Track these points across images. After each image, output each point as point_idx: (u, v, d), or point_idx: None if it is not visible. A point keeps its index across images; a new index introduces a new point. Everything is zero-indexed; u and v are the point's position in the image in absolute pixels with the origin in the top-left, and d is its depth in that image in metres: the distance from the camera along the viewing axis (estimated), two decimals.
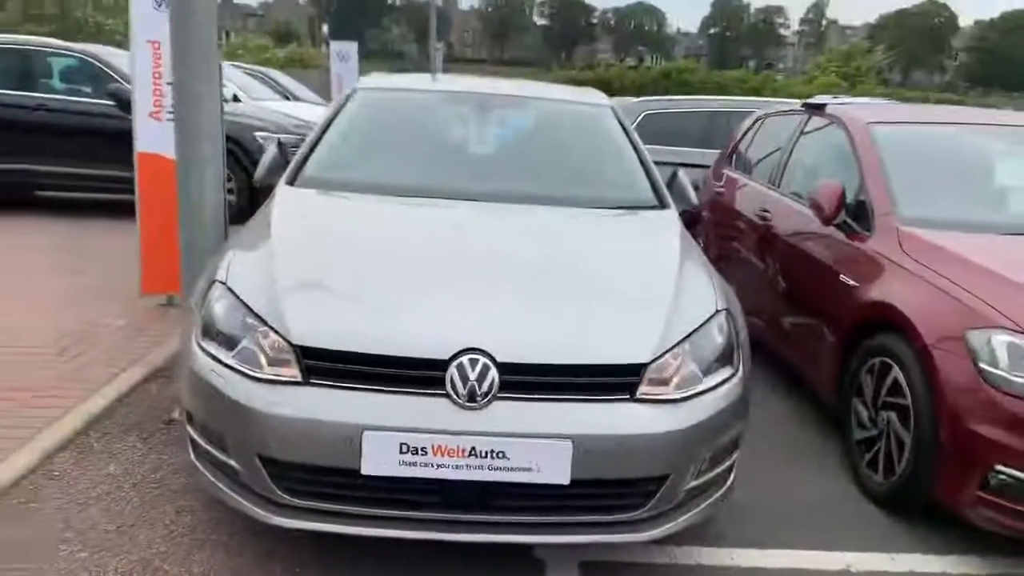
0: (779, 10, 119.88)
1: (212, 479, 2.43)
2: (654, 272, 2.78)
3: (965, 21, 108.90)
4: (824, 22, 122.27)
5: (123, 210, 7.81)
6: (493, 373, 2.20)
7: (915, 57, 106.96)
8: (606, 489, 2.29)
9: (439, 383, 2.20)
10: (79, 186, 8.31)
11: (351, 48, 10.56)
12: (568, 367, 2.27)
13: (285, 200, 3.17)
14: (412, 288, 2.49)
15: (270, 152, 3.56)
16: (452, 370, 2.20)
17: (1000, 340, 2.65)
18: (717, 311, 2.58)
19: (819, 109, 4.58)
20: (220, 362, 2.34)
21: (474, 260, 2.74)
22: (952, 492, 2.76)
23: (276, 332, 2.30)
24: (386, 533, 2.26)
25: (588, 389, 2.28)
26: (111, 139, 7.90)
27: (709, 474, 2.45)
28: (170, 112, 4.77)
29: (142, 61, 4.73)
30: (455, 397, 2.19)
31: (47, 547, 2.52)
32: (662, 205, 3.45)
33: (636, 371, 2.30)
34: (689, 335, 2.44)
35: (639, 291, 2.64)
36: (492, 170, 3.65)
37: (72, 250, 6.46)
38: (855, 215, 3.64)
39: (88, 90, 8.17)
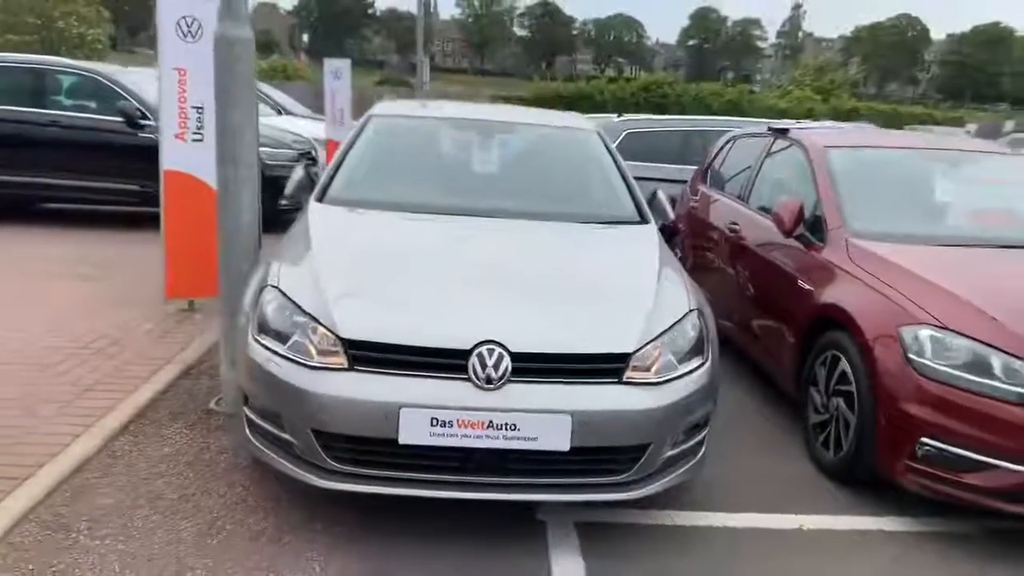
0: (756, 22, 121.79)
1: (267, 451, 2.89)
2: (637, 277, 3.27)
3: (937, 34, 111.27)
4: (800, 34, 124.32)
5: (122, 221, 8.28)
6: (507, 360, 2.68)
7: (889, 69, 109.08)
8: (599, 455, 2.78)
9: (462, 369, 2.68)
10: (86, 198, 8.71)
11: (344, 65, 10.96)
12: (567, 355, 2.76)
13: (317, 215, 3.64)
14: (437, 290, 2.98)
15: (297, 172, 4.04)
16: (473, 358, 2.67)
17: (925, 334, 3.17)
18: (690, 310, 3.09)
19: (783, 133, 5.11)
20: (276, 353, 2.80)
21: (487, 267, 3.23)
22: (888, 463, 3.26)
23: (325, 327, 2.76)
24: (418, 493, 2.73)
25: (584, 373, 2.77)
26: (118, 153, 8.36)
27: (683, 445, 2.95)
28: (194, 134, 5.25)
29: (168, 87, 5.14)
30: (475, 380, 2.67)
31: (125, 512, 2.96)
32: (643, 220, 3.96)
33: (623, 359, 2.79)
34: (666, 330, 2.94)
35: (625, 293, 3.14)
36: (496, 189, 4.14)
37: (85, 259, 6.88)
38: (812, 228, 4.16)
39: (96, 106, 8.58)
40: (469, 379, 2.67)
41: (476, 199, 3.93)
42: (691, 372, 2.93)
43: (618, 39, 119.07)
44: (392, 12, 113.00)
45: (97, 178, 8.39)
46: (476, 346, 2.69)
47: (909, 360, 3.17)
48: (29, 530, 2.80)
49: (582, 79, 39.27)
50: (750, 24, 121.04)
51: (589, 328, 2.88)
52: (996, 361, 3.01)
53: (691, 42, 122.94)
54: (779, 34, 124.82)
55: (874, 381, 3.29)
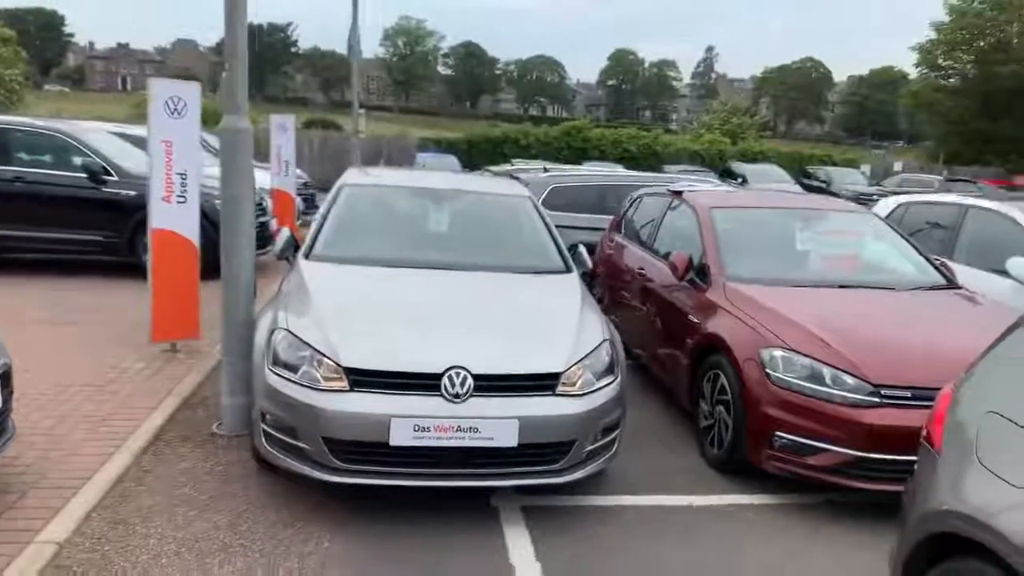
0: (672, 64, 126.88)
1: (282, 456, 3.73)
2: (564, 315, 4.26)
3: (839, 76, 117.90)
4: (713, 75, 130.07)
5: (83, 268, 8.85)
6: (469, 380, 3.61)
7: (797, 109, 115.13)
8: (538, 450, 3.72)
9: (436, 387, 3.60)
10: (52, 249, 9.20)
11: (289, 120, 11.76)
12: (514, 375, 3.72)
13: (308, 270, 4.52)
14: (413, 327, 3.90)
15: (284, 233, 4.90)
16: (444, 379, 3.60)
17: (778, 354, 4.24)
18: (604, 340, 4.09)
19: (679, 195, 6.23)
20: (290, 380, 3.67)
21: (449, 308, 4.19)
22: (755, 453, 4.30)
23: (329, 358, 3.65)
24: (405, 483, 3.63)
25: (527, 389, 3.72)
26: (82, 207, 9.00)
27: (601, 442, 3.92)
28: (179, 197, 6.02)
29: (157, 156, 5.90)
30: (446, 395, 3.59)
31: (167, 510, 3.75)
32: (568, 269, 4.97)
33: (555, 377, 3.76)
34: (586, 355, 3.92)
35: (555, 328, 4.12)
36: (450, 246, 5.10)
37: (57, 305, 7.51)
38: (699, 273, 5.24)
39: (58, 162, 9.19)
40: (441, 395, 3.59)
41: (435, 254, 4.88)
42: (605, 386, 3.92)
43: (540, 79, 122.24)
44: (316, 49, 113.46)
45: (63, 230, 8.98)
46: (446, 370, 3.61)
47: (767, 374, 4.23)
48: (96, 524, 3.57)
49: (503, 121, 40.67)
50: (666, 65, 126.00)
51: (530, 354, 3.85)
52: (827, 373, 4.09)
53: (610, 82, 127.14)
54: (694, 75, 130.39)
55: (743, 391, 4.34)
